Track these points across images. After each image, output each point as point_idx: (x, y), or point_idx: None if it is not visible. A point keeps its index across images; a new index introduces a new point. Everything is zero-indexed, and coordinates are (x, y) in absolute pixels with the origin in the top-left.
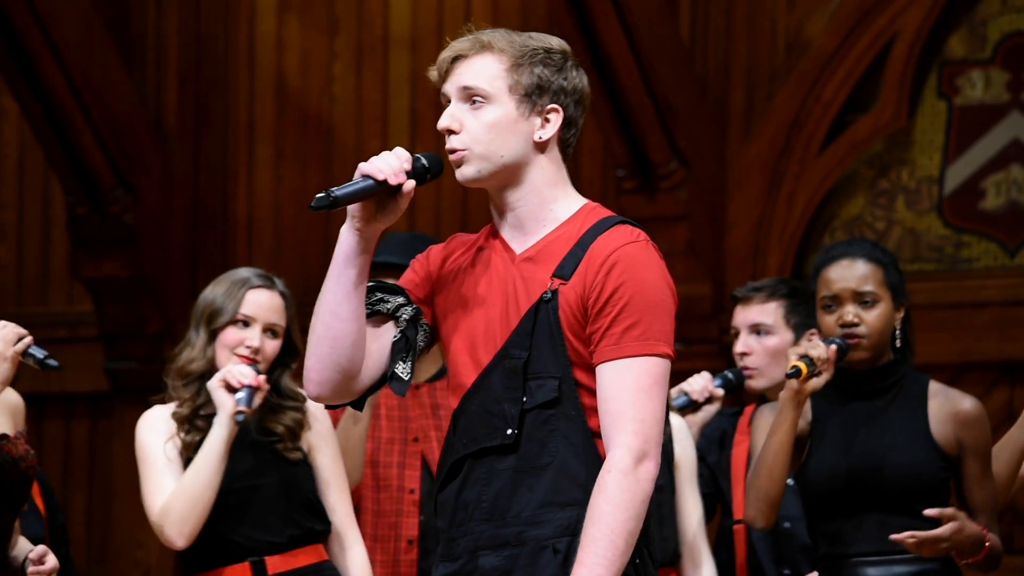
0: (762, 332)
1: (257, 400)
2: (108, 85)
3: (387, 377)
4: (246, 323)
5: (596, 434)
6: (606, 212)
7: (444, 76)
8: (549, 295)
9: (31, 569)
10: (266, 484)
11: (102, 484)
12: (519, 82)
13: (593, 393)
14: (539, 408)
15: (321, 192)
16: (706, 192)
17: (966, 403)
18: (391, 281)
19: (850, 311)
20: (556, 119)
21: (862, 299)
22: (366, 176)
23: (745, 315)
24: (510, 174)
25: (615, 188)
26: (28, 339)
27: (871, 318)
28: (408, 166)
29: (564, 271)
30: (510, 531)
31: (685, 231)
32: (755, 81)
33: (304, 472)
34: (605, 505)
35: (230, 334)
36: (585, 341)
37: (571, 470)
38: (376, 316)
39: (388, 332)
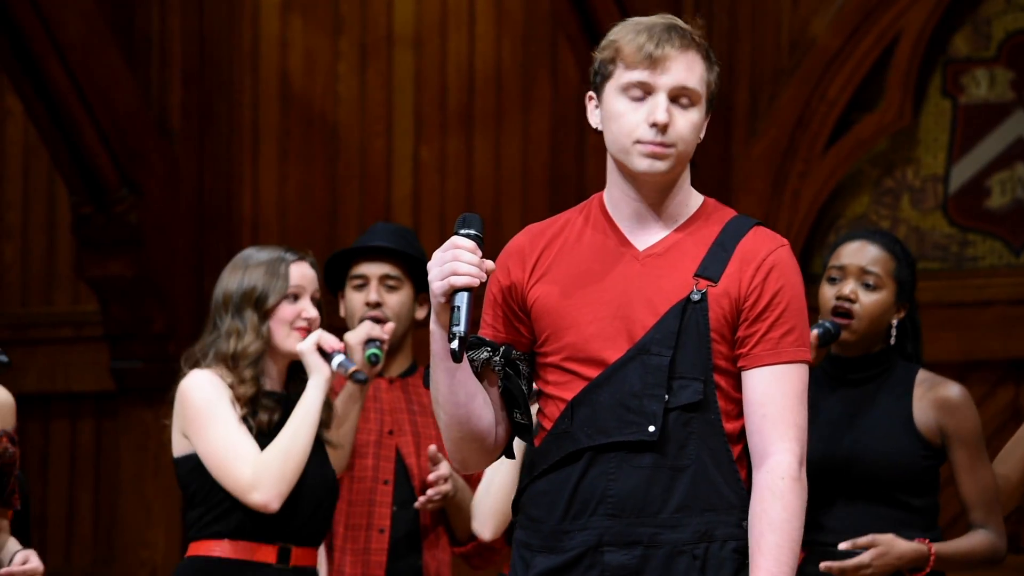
0: None
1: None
2: (112, 85)
3: (515, 432)
4: (296, 296)
5: (731, 439)
6: (731, 210)
7: (656, 63)
8: (698, 296)
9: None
10: (319, 473)
11: (108, 483)
12: (712, 84)
13: (729, 398)
14: (681, 409)
15: (453, 343)
16: (711, 192)
17: (949, 389)
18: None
19: (850, 285)
20: (707, 120)
21: (866, 279)
22: (461, 288)
23: None
24: (678, 172)
25: None
26: None
27: (868, 300)
28: (479, 252)
29: (709, 272)
30: (643, 531)
31: None
32: (759, 80)
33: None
34: (784, 512)
35: (285, 310)
36: (731, 344)
37: (710, 475)
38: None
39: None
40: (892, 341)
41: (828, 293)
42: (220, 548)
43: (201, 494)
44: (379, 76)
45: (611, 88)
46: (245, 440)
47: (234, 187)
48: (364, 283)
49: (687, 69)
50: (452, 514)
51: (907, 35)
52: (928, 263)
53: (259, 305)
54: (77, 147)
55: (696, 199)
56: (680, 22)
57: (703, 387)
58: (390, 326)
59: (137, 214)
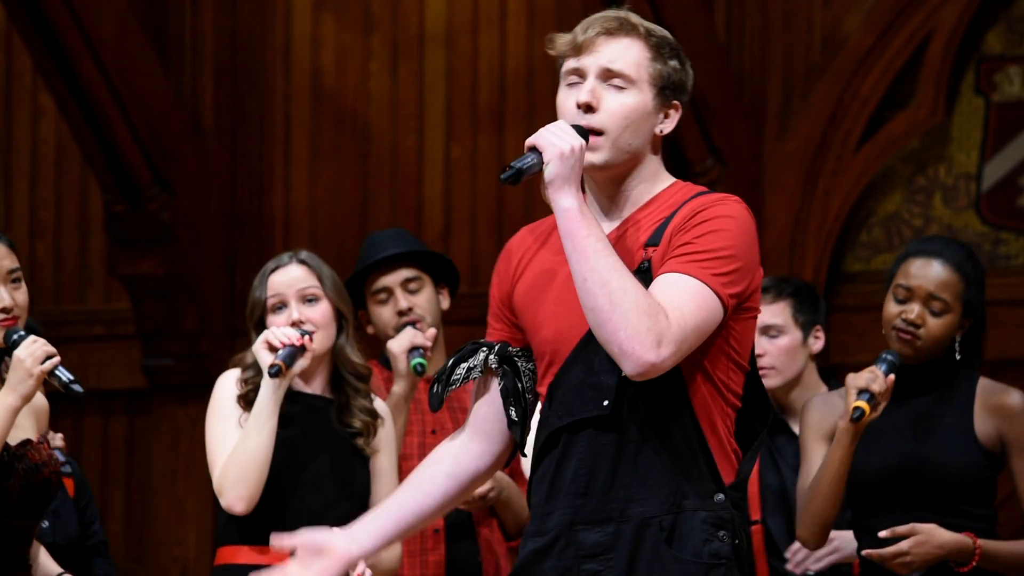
0: (773, 333)
1: (302, 362)
2: (145, 83)
3: (509, 425)
4: (281, 305)
5: (699, 409)
6: (697, 187)
7: (582, 49)
8: (646, 264)
9: None
10: (339, 477)
11: (140, 481)
12: (660, 73)
13: (695, 364)
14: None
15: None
16: (742, 189)
17: (1008, 396)
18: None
19: (916, 310)
20: (675, 115)
21: (932, 305)
22: (533, 149)
23: None
24: (629, 166)
25: None
26: (56, 359)
27: (934, 325)
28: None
29: (655, 239)
30: (612, 507)
31: None
32: (791, 78)
33: (369, 474)
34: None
35: (274, 322)
36: None
37: (676, 446)
38: (479, 377)
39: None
40: (957, 355)
41: (893, 311)
42: (241, 554)
43: None
44: (411, 74)
45: (561, 84)
46: (226, 445)
47: (266, 185)
48: (388, 295)
49: (619, 52)
50: (500, 511)
51: (940, 33)
52: None
53: (253, 320)
54: (110, 145)
55: (663, 183)
56: (631, 16)
57: None
58: (432, 332)
59: (169, 212)
